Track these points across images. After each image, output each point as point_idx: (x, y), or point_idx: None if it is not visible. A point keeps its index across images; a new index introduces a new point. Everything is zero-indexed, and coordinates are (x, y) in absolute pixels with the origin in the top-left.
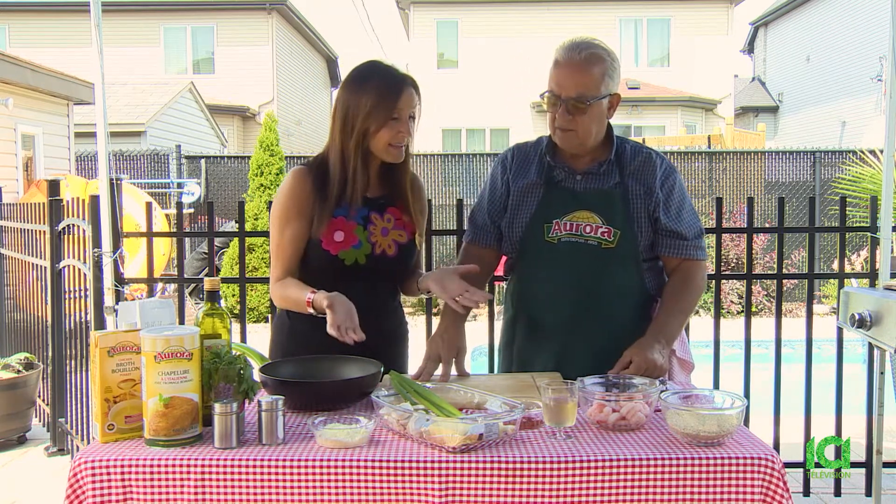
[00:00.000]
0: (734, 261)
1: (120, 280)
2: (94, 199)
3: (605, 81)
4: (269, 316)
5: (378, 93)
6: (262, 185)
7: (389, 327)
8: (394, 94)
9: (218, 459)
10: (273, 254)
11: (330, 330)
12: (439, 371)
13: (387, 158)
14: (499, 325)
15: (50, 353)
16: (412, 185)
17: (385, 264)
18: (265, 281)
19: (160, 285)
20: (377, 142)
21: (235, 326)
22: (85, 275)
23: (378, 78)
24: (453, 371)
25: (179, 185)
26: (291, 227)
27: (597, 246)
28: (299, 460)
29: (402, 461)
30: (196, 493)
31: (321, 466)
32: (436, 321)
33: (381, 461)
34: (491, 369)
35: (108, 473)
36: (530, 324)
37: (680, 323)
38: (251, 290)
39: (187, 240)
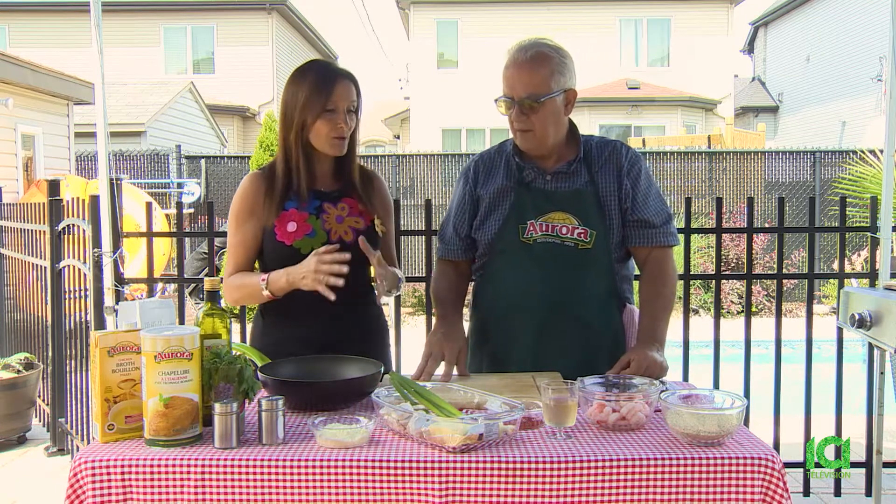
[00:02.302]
0: (734, 261)
1: (120, 280)
2: (94, 199)
3: (556, 78)
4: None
5: (313, 85)
6: None
7: (362, 322)
8: (328, 86)
9: (218, 459)
10: (227, 255)
11: (313, 284)
12: (439, 371)
13: (329, 151)
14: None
15: (50, 353)
16: (369, 180)
17: (344, 251)
18: None
19: (160, 285)
20: (316, 134)
21: (235, 326)
22: (85, 275)
23: (314, 72)
24: (454, 371)
25: (179, 185)
26: (243, 229)
27: (573, 247)
28: (299, 460)
29: (402, 461)
30: (196, 493)
31: (321, 466)
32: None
33: (381, 461)
34: None
35: (108, 473)
36: (505, 324)
37: (666, 322)
38: None
39: (187, 240)
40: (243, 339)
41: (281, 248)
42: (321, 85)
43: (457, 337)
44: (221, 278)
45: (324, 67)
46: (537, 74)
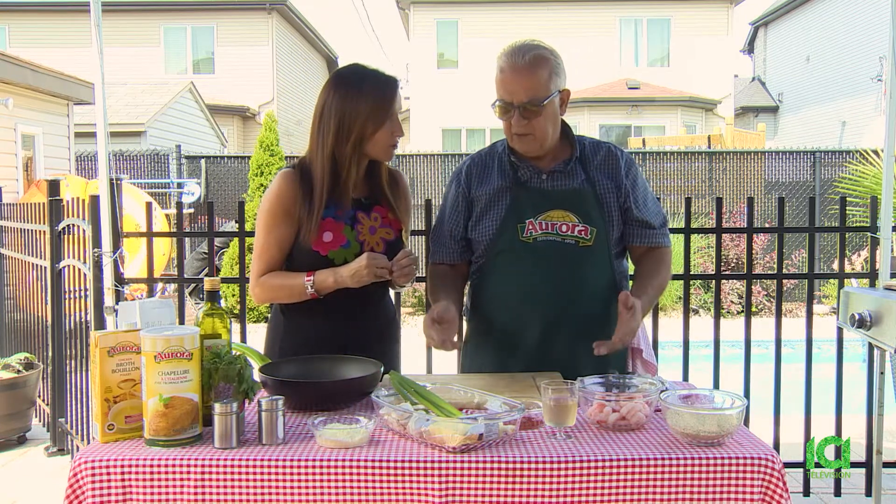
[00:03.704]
0: (734, 261)
1: (120, 280)
2: (94, 199)
3: (553, 80)
4: (269, 316)
5: (375, 97)
6: (262, 185)
7: (381, 327)
8: (390, 97)
9: (218, 459)
10: (256, 253)
11: (369, 277)
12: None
13: (383, 158)
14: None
15: (50, 353)
16: (395, 183)
17: None
18: None
19: (160, 285)
20: (375, 143)
21: (235, 326)
22: (85, 275)
23: (371, 82)
24: (454, 371)
25: (179, 185)
26: (278, 230)
27: (574, 245)
28: (299, 460)
29: (402, 461)
30: (196, 493)
31: (321, 466)
32: None
33: (381, 461)
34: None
35: (108, 473)
36: (508, 324)
37: (651, 299)
38: None
39: (187, 240)
40: (243, 339)
41: (315, 257)
42: (384, 96)
43: (447, 306)
44: (222, 278)
45: (379, 76)
46: (537, 78)
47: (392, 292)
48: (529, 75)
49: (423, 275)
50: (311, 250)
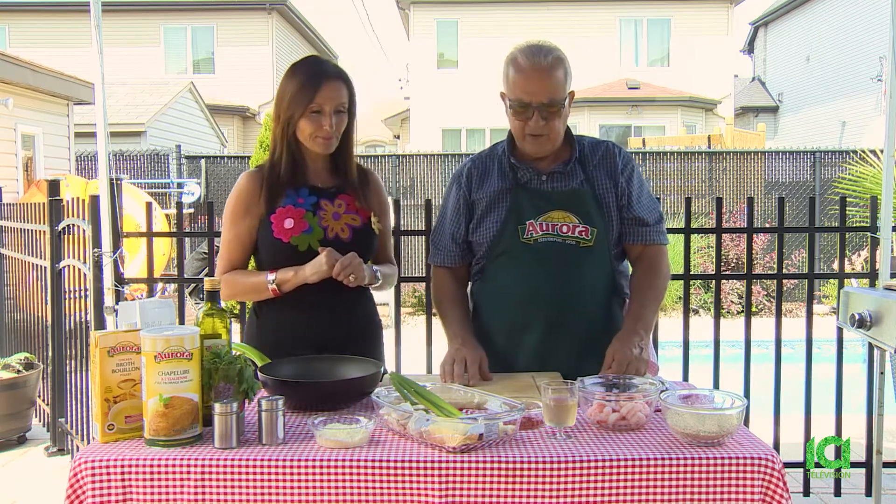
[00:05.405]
0: (734, 261)
1: (120, 280)
2: (94, 199)
3: (568, 81)
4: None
5: (299, 84)
6: None
7: (358, 321)
8: (313, 87)
9: (218, 459)
10: (220, 253)
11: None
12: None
13: (314, 149)
14: None
15: (50, 353)
16: (366, 179)
17: (340, 248)
18: None
19: (160, 285)
20: (301, 131)
21: (235, 326)
22: (85, 275)
23: (305, 69)
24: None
25: (179, 185)
26: (237, 227)
27: (575, 245)
28: (299, 460)
29: (402, 461)
30: (196, 493)
31: (321, 466)
32: (436, 322)
33: (381, 461)
34: None
35: (108, 473)
36: (510, 325)
37: (654, 311)
38: None
39: (187, 240)
40: (243, 340)
41: (278, 244)
42: (307, 85)
43: (474, 346)
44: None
45: (313, 66)
46: (557, 79)
47: (374, 293)
48: (550, 77)
49: (423, 275)
50: (274, 238)
